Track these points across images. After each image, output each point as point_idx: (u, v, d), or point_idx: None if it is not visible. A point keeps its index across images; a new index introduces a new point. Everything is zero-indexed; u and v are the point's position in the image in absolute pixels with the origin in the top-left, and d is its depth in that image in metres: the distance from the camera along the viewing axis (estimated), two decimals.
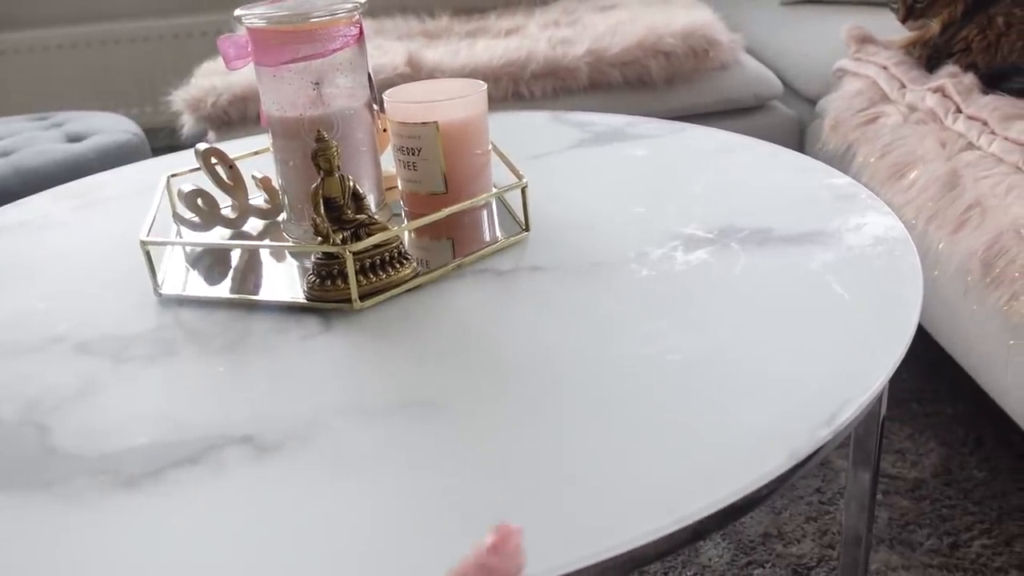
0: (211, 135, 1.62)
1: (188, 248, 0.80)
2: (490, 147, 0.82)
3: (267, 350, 0.61)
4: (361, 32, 0.73)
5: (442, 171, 0.78)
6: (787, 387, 0.52)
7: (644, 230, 0.75)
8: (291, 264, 0.76)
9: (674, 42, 1.55)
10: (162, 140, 2.32)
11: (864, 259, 0.67)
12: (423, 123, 0.76)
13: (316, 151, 0.66)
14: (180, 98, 1.62)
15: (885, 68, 1.34)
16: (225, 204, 0.81)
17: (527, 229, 0.76)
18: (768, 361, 0.55)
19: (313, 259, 0.67)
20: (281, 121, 0.73)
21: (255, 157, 0.89)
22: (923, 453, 1.25)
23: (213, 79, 1.63)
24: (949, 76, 1.22)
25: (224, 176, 0.81)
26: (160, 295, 0.70)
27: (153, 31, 2.61)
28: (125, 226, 0.85)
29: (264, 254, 0.78)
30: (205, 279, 0.74)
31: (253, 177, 0.83)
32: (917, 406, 1.34)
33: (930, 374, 1.39)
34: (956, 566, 1.07)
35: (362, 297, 0.66)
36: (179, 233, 0.82)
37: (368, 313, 0.65)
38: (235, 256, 0.78)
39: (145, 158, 1.52)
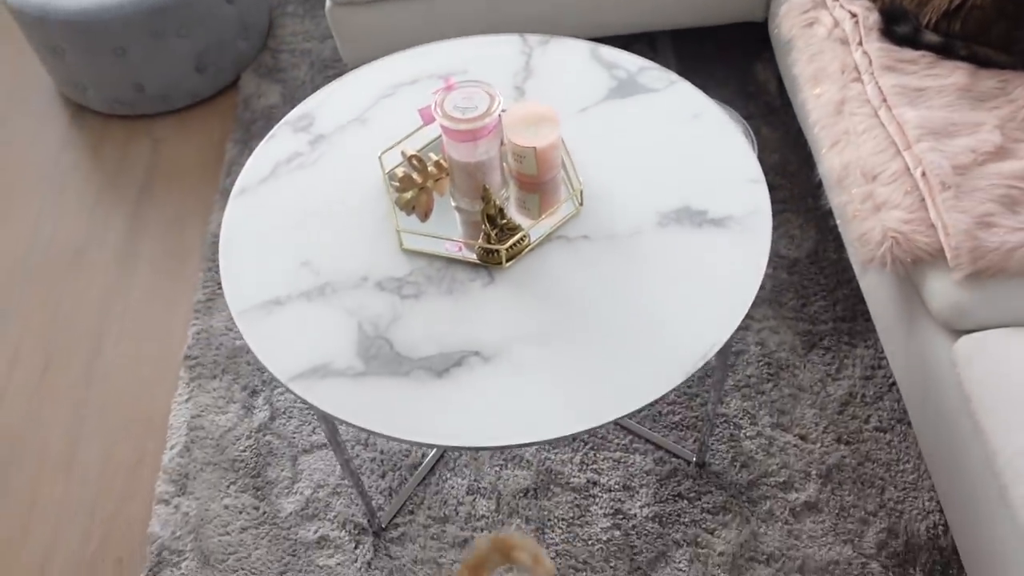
0: None
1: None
2: (561, 147, 1.47)
3: (467, 293, 1.37)
4: (500, 119, 1.36)
5: (535, 165, 1.46)
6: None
7: (638, 206, 1.45)
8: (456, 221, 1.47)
9: None
10: None
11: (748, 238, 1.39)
12: (528, 146, 1.43)
13: (483, 195, 1.35)
14: None
15: None
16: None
17: (581, 204, 1.46)
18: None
19: (481, 242, 1.39)
20: (456, 161, 1.39)
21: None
22: (804, 239, 2.03)
23: None
24: (863, 7, 1.75)
25: (416, 165, 1.47)
26: (403, 249, 1.43)
27: None
28: (361, 169, 1.52)
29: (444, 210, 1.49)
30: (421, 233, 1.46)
31: (430, 158, 1.49)
32: (811, 200, 2.09)
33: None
34: (803, 318, 1.92)
35: (507, 261, 1.40)
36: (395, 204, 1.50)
37: (510, 271, 1.39)
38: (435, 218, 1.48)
39: None
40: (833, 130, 1.70)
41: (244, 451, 1.84)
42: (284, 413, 1.87)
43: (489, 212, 1.37)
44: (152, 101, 2.42)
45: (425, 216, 1.52)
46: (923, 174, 1.52)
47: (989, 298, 1.42)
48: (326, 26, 2.62)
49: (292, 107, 2.43)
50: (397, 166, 1.53)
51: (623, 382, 1.25)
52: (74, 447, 1.89)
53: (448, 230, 1.47)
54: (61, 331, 2.06)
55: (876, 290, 1.70)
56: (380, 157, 1.53)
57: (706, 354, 1.28)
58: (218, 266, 2.09)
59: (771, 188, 2.12)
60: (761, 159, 2.15)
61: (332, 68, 2.50)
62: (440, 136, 1.44)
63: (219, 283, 2.08)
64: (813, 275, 1.98)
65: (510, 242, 1.38)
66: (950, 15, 1.67)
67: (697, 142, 1.54)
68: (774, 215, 2.07)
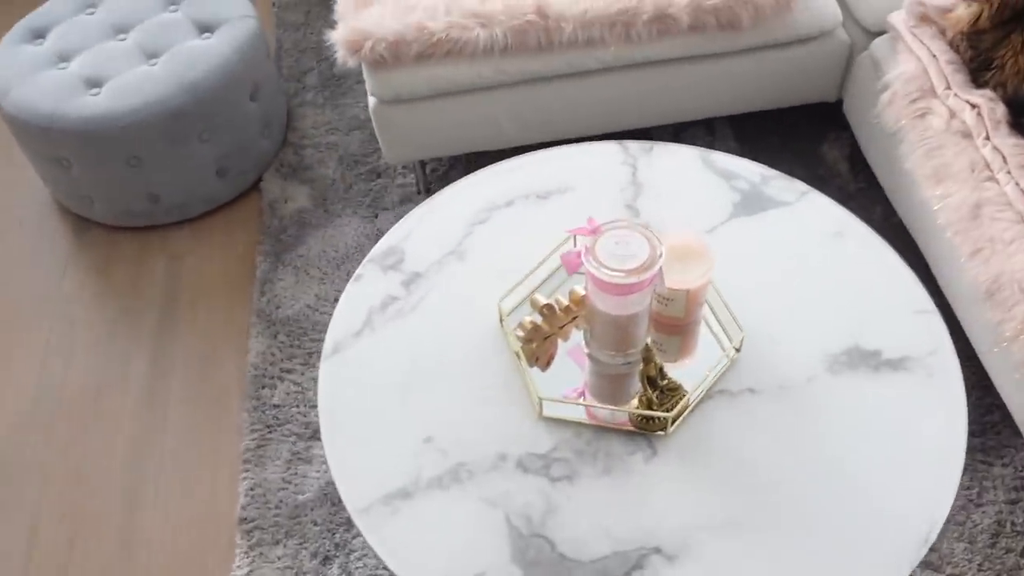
0: (365, 69, 1.91)
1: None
2: (711, 287, 1.28)
3: (628, 472, 1.16)
4: (661, 270, 1.16)
5: (684, 308, 1.26)
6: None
7: (802, 350, 1.26)
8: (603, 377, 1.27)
9: None
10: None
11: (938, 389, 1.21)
12: (678, 289, 1.23)
13: (644, 355, 1.15)
14: (338, 38, 1.87)
15: (935, 57, 1.70)
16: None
17: (738, 350, 1.27)
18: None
19: (640, 407, 1.19)
20: (599, 312, 1.19)
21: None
22: None
23: (362, 18, 1.87)
24: (985, 99, 1.61)
25: (546, 314, 1.27)
26: (543, 416, 1.22)
27: None
28: (470, 315, 1.31)
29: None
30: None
31: (558, 301, 1.29)
32: None
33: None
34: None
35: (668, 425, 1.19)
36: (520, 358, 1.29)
37: (673, 439, 1.19)
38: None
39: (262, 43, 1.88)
40: (972, 236, 1.54)
41: None
42: None
43: (650, 374, 1.17)
44: (167, 211, 2.17)
45: (547, 365, 1.31)
46: None
47: None
48: (351, 115, 2.40)
49: (325, 210, 2.21)
50: (515, 309, 1.33)
51: None
52: None
53: (572, 378, 1.27)
54: (86, 494, 1.78)
55: None
56: (500, 305, 1.32)
57: (928, 536, 1.09)
58: (262, 403, 1.85)
59: None
60: None
61: (364, 164, 2.28)
62: (560, 269, 1.24)
63: (268, 425, 1.83)
64: None
65: (676, 409, 1.18)
66: None
67: (848, 265, 1.37)
68: None
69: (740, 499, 1.13)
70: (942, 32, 1.75)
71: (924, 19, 1.78)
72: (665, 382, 1.19)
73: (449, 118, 1.99)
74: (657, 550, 1.10)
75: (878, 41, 1.90)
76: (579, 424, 1.22)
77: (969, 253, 1.54)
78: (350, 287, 1.39)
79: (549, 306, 1.26)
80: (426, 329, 1.33)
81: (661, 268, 1.17)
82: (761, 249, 1.40)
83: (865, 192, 2.14)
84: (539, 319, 1.27)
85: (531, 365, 1.28)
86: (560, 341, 1.32)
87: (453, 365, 1.28)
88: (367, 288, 1.38)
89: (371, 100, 1.98)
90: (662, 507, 1.13)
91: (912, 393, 1.22)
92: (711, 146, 2.23)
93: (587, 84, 1.97)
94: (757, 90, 2.05)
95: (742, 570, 1.07)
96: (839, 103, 2.13)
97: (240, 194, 2.28)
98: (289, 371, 1.91)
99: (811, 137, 2.26)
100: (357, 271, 1.41)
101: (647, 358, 1.17)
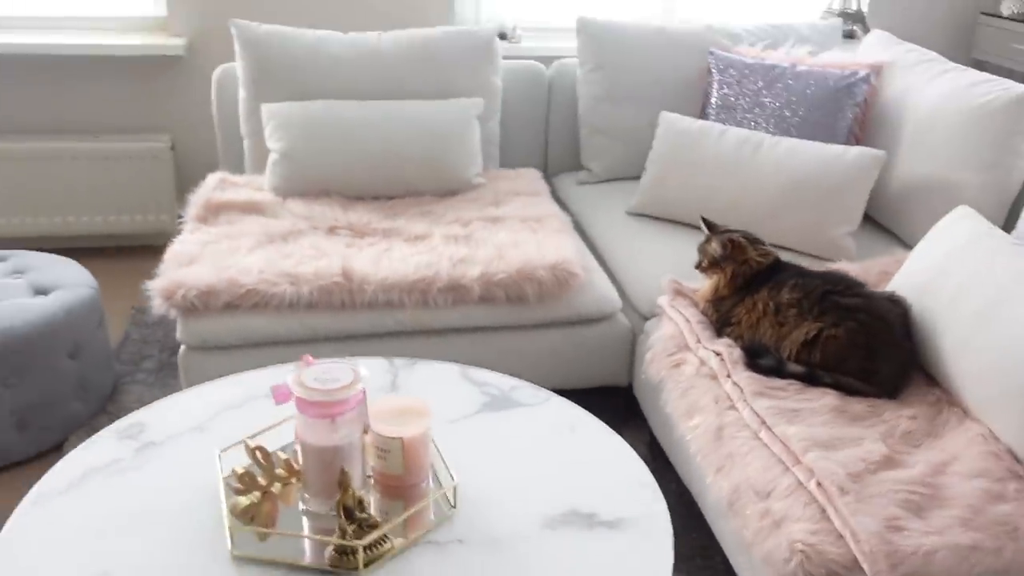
0: (175, 313, 2.03)
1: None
2: (431, 446, 1.31)
3: None
4: (364, 394, 1.21)
5: (401, 461, 1.27)
6: None
7: (521, 511, 1.26)
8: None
9: (544, 273, 2.09)
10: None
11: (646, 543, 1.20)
12: (393, 437, 1.25)
13: (340, 481, 1.14)
14: (155, 287, 2.01)
15: (689, 321, 1.93)
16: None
17: (453, 506, 1.26)
18: None
19: (335, 538, 1.14)
20: (309, 445, 1.20)
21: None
22: None
23: (182, 272, 2.04)
24: (725, 346, 1.81)
25: (260, 460, 1.26)
26: (235, 556, 1.15)
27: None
28: (194, 476, 1.28)
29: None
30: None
31: (278, 456, 1.29)
32: (700, 560, 1.92)
33: (706, 534, 1.97)
34: None
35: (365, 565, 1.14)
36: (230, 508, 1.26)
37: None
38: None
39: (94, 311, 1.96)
40: (716, 456, 1.61)
41: None
42: None
43: (346, 503, 1.15)
44: None
45: (267, 528, 1.26)
46: (818, 484, 1.42)
47: None
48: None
49: None
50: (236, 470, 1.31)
51: None
52: None
53: (293, 544, 1.22)
54: None
55: None
56: (219, 455, 1.31)
57: None
58: None
59: None
60: None
61: None
62: (293, 431, 1.25)
63: None
64: None
65: (369, 538, 1.14)
66: (809, 345, 1.73)
67: (578, 448, 1.42)
68: None
69: None
70: (695, 304, 1.99)
71: (680, 294, 2.02)
72: (364, 516, 1.16)
73: (255, 368, 2.07)
74: None
75: (651, 322, 2.13)
76: (273, 562, 1.15)
77: (714, 471, 1.59)
78: (78, 451, 1.36)
79: (262, 450, 1.26)
80: (143, 487, 1.29)
81: (365, 396, 1.22)
82: (500, 436, 1.44)
83: (663, 473, 2.21)
84: (254, 468, 1.26)
85: (245, 523, 1.23)
86: (283, 505, 1.29)
87: (159, 516, 1.23)
88: (95, 452, 1.36)
89: (181, 349, 2.07)
90: None
91: (621, 548, 1.21)
92: None
93: (388, 346, 2.11)
94: (552, 367, 2.21)
95: None
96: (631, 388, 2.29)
97: (40, 453, 2.22)
98: None
99: (614, 422, 2.37)
100: (91, 438, 1.39)
101: (343, 484, 1.15)
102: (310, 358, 1.24)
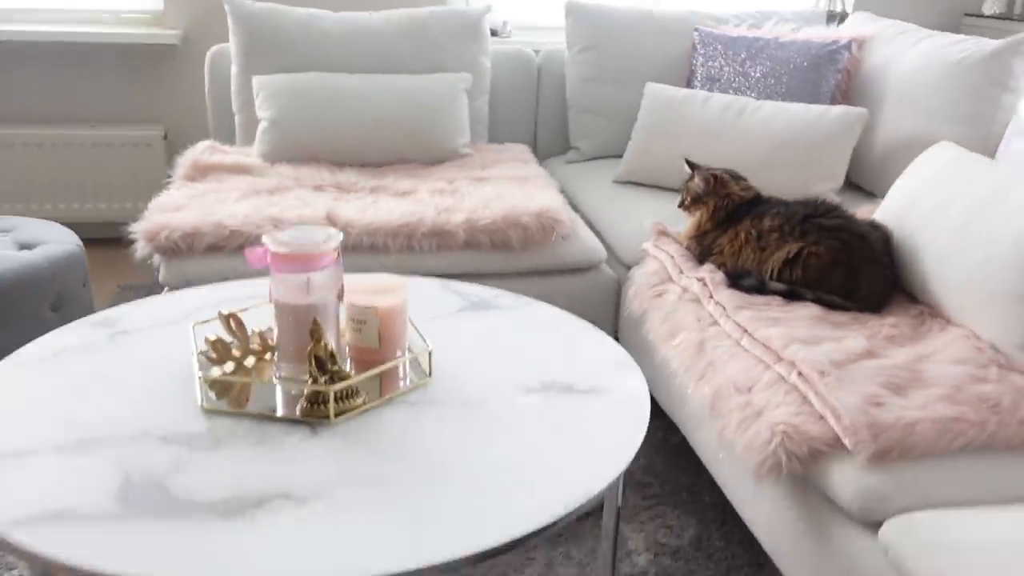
0: (158, 259, 2.03)
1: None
2: (407, 320, 1.30)
3: (280, 446, 1.06)
4: (339, 255, 1.21)
5: (377, 334, 1.26)
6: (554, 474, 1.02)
7: (498, 381, 1.24)
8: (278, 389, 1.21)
9: (529, 219, 2.09)
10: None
11: (623, 405, 1.19)
12: (368, 307, 1.24)
13: (312, 331, 1.13)
14: (139, 228, 2.01)
15: (672, 256, 1.92)
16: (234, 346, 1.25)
17: (429, 375, 1.25)
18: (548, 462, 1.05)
19: (306, 391, 1.13)
20: (284, 305, 1.19)
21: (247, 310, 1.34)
22: (684, 528, 1.79)
23: (167, 215, 2.04)
24: (708, 271, 1.80)
25: (234, 329, 1.25)
26: (205, 408, 1.14)
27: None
28: (161, 354, 1.27)
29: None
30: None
31: (253, 331, 1.28)
32: (686, 495, 1.89)
33: (692, 473, 1.94)
34: None
35: (335, 416, 1.12)
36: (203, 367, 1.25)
37: (338, 426, 1.11)
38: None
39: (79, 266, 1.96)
40: (697, 367, 1.60)
41: None
42: None
43: (318, 353, 1.14)
44: None
45: (241, 407, 1.24)
46: (799, 374, 1.40)
47: (901, 484, 1.22)
48: None
49: None
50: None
51: (469, 522, 0.94)
52: None
53: (265, 399, 1.20)
54: None
55: (777, 525, 1.45)
56: (193, 327, 1.29)
57: (582, 498, 1.00)
58: None
59: (641, 486, 1.91)
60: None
61: None
62: (272, 298, 1.24)
63: None
64: (701, 560, 1.69)
65: (340, 385, 1.13)
66: (791, 263, 1.72)
67: (559, 338, 1.41)
68: (646, 509, 1.83)
69: (388, 465, 1.03)
70: (678, 243, 1.99)
71: (663, 234, 2.03)
72: (335, 368, 1.14)
73: None
74: (285, 495, 0.97)
75: (635, 269, 2.12)
76: (244, 413, 1.13)
77: (696, 380, 1.58)
78: (49, 336, 1.35)
79: (236, 319, 1.25)
80: (115, 361, 1.27)
81: (340, 256, 1.22)
82: (479, 329, 1.43)
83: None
84: (229, 336, 1.25)
85: (219, 398, 1.21)
86: (258, 383, 1.27)
87: (130, 380, 1.21)
88: (67, 336, 1.35)
89: (163, 292, 2.06)
90: (304, 468, 1.02)
91: (596, 410, 1.19)
92: None
93: None
94: None
95: (371, 509, 0.95)
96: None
97: None
98: None
99: None
100: (64, 326, 1.38)
101: (316, 335, 1.14)
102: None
